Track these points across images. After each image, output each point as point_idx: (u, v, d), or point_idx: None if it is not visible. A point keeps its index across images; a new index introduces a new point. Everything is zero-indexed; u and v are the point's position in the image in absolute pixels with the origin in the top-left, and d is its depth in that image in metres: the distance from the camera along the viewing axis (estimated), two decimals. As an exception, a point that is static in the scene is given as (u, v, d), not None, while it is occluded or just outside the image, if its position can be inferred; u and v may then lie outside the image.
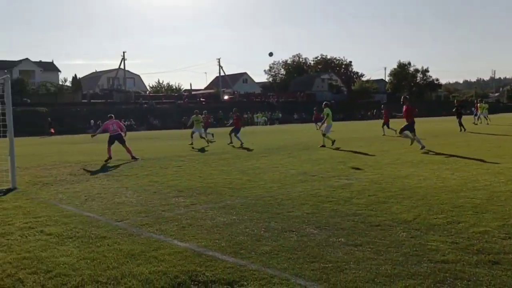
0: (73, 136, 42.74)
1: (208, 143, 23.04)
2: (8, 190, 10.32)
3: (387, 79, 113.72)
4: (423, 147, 16.33)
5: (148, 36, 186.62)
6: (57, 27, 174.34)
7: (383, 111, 29.31)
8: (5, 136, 11.09)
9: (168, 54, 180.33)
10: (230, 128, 23.48)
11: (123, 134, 16.78)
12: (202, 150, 20.00)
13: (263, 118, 67.77)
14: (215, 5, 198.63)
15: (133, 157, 16.39)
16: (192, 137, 23.79)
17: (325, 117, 19.78)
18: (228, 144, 22.39)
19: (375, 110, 79.68)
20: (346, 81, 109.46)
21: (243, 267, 4.77)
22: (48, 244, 5.88)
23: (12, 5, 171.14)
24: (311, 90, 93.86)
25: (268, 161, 14.66)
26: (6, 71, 64.83)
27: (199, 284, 4.40)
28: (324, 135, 19.52)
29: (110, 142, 16.54)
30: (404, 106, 17.40)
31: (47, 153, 21.38)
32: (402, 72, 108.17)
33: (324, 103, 20.67)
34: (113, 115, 17.55)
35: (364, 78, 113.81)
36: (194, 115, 24.41)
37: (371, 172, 11.35)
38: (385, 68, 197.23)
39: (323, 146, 19.05)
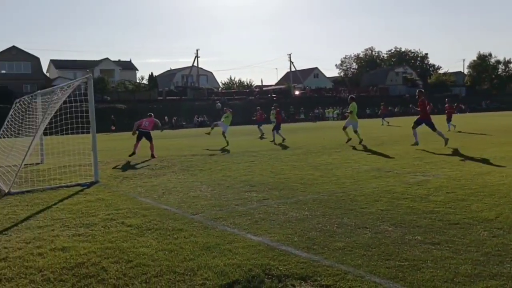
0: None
1: (227, 144, 21.25)
2: (92, 183, 10.90)
3: (465, 71, 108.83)
4: (416, 143, 16.38)
5: (220, 34, 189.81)
6: (134, 27, 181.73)
7: (446, 106, 27.86)
8: (88, 132, 11.69)
9: (239, 51, 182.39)
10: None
11: (159, 130, 16.97)
12: (223, 150, 19.15)
13: (336, 112, 66.87)
14: (287, 3, 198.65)
15: (152, 155, 16.43)
16: (224, 136, 22.03)
17: (351, 112, 19.09)
18: (273, 142, 22.03)
19: (455, 104, 76.48)
20: (422, 74, 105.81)
21: (316, 263, 4.76)
22: (129, 235, 6.16)
23: (93, 6, 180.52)
24: (384, 84, 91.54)
25: (340, 157, 14.49)
26: (88, 70, 68.57)
27: (273, 278, 4.44)
28: (355, 131, 18.93)
29: (139, 138, 16.87)
30: (420, 101, 16.50)
31: (126, 148, 22.34)
32: (482, 64, 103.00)
33: (350, 97, 19.66)
34: (152, 114, 17.78)
35: (441, 71, 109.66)
36: (227, 113, 23.04)
37: (449, 169, 10.91)
38: (463, 60, 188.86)
39: (350, 139, 18.88)
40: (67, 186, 10.56)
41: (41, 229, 6.65)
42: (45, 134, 13.78)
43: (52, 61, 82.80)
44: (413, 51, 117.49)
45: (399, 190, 8.52)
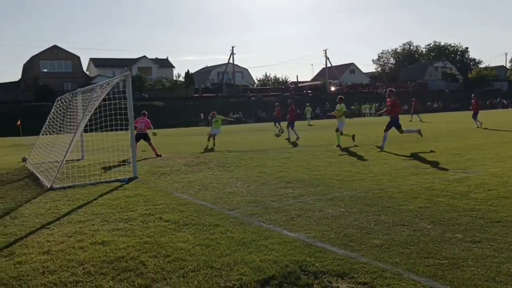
0: (185, 129, 44.82)
1: (213, 144, 20.25)
2: (130, 179, 11.11)
3: (508, 65, 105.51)
4: (381, 147, 15.33)
5: (256, 30, 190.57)
6: (170, 25, 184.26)
7: (473, 101, 26.82)
8: (126, 129, 11.91)
9: (275, 47, 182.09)
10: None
11: (149, 132, 16.40)
12: (206, 150, 18.44)
13: (374, 107, 65.78)
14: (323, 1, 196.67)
15: (157, 155, 16.21)
16: (208, 139, 21.05)
17: (338, 112, 17.72)
18: (287, 140, 21.82)
19: (498, 99, 74.50)
20: (462, 68, 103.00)
21: (353, 260, 4.72)
22: (167, 230, 6.25)
23: (130, 6, 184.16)
24: (423, 79, 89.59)
25: (377, 153, 14.30)
26: (126, 68, 69.81)
27: (309, 274, 4.43)
28: (341, 133, 17.50)
29: (136, 139, 16.26)
30: (388, 100, 15.70)
31: (163, 144, 22.66)
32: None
33: (338, 97, 18.48)
34: (146, 112, 16.94)
35: (482, 65, 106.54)
36: (215, 117, 21.78)
37: (491, 165, 10.61)
38: (505, 54, 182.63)
39: (339, 146, 17.04)
40: (107, 182, 10.79)
41: (82, 224, 6.84)
42: (85, 131, 14.10)
43: (91, 59, 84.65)
44: (452, 45, 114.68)
45: (438, 187, 8.35)
